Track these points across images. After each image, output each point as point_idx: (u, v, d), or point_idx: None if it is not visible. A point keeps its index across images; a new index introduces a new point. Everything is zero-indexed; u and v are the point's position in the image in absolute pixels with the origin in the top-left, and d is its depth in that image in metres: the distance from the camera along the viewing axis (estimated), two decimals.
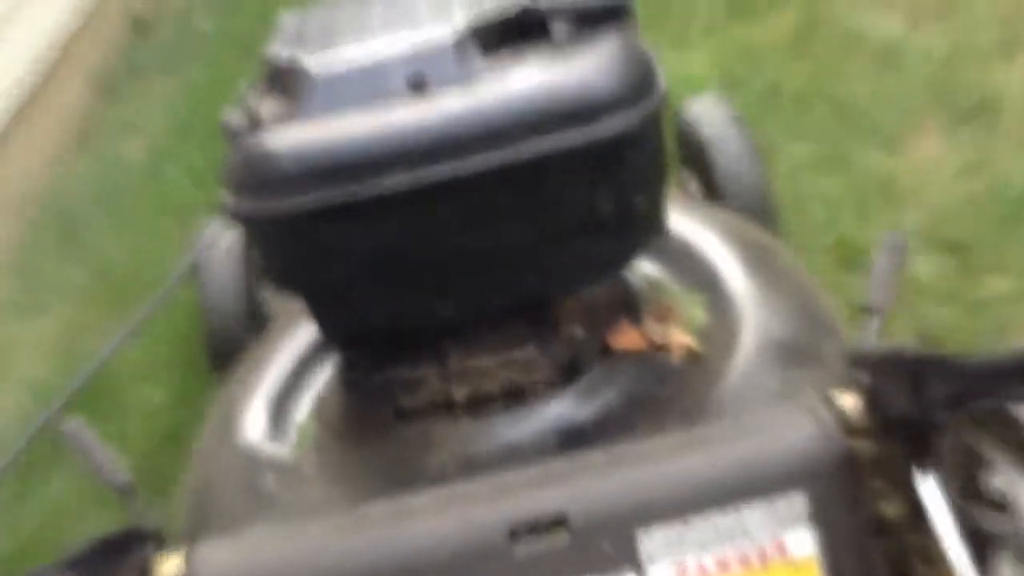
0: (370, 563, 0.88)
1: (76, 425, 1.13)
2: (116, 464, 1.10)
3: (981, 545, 0.79)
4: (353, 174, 0.96)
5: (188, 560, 0.90)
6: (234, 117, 1.02)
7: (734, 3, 3.33)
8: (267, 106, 1.04)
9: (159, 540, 0.93)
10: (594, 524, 0.85)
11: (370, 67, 1.03)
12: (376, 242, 1.00)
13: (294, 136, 0.99)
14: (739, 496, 0.84)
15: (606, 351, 1.13)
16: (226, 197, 1.01)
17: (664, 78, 1.03)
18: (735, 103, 2.08)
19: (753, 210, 1.77)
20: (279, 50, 1.10)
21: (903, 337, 1.13)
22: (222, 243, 1.88)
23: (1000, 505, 0.78)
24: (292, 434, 1.18)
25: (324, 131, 0.99)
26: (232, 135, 1.01)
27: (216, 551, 0.91)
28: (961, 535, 0.79)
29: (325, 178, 0.96)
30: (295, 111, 1.02)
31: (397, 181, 0.95)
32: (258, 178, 0.99)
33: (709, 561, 0.85)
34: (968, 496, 0.80)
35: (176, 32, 4.56)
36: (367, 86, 1.01)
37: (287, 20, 1.18)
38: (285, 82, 1.06)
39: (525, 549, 0.86)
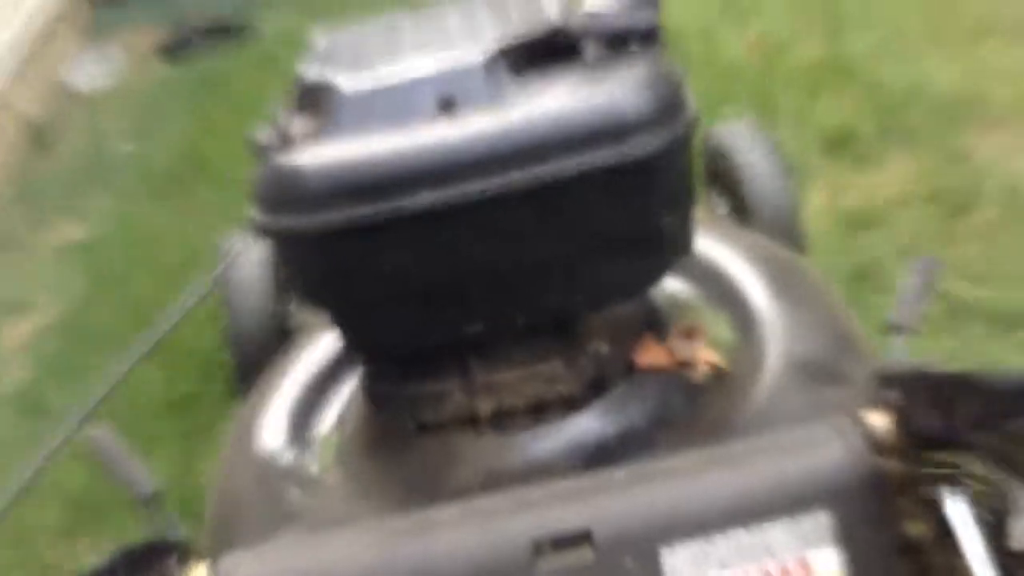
0: None
1: (102, 433, 1.14)
2: (141, 473, 1.10)
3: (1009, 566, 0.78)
4: (381, 192, 0.97)
5: (213, 572, 0.90)
6: (264, 134, 1.04)
7: (832, 135, 2.48)
8: (297, 124, 1.05)
9: (184, 551, 0.93)
10: (618, 541, 0.85)
11: (400, 87, 1.04)
12: (404, 259, 1.01)
13: (323, 154, 1.00)
14: (764, 514, 0.84)
15: (632, 368, 1.13)
16: (254, 213, 1.02)
17: (694, 100, 1.03)
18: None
19: (781, 231, 1.77)
20: (310, 69, 1.11)
21: (931, 356, 1.12)
22: (247, 257, 1.89)
23: None
24: (315, 447, 1.19)
25: (353, 149, 1.00)
26: (262, 152, 1.03)
27: (240, 563, 0.92)
28: (989, 556, 0.78)
29: (353, 196, 0.97)
30: (325, 129, 1.03)
31: (425, 199, 0.96)
32: (287, 195, 1.00)
33: None
34: (998, 546, 0.79)
35: (85, 150, 3.49)
36: (397, 106, 1.02)
37: (318, 39, 1.19)
38: (315, 100, 1.07)
39: (548, 565, 0.85)
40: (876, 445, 0.86)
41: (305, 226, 0.98)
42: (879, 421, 0.87)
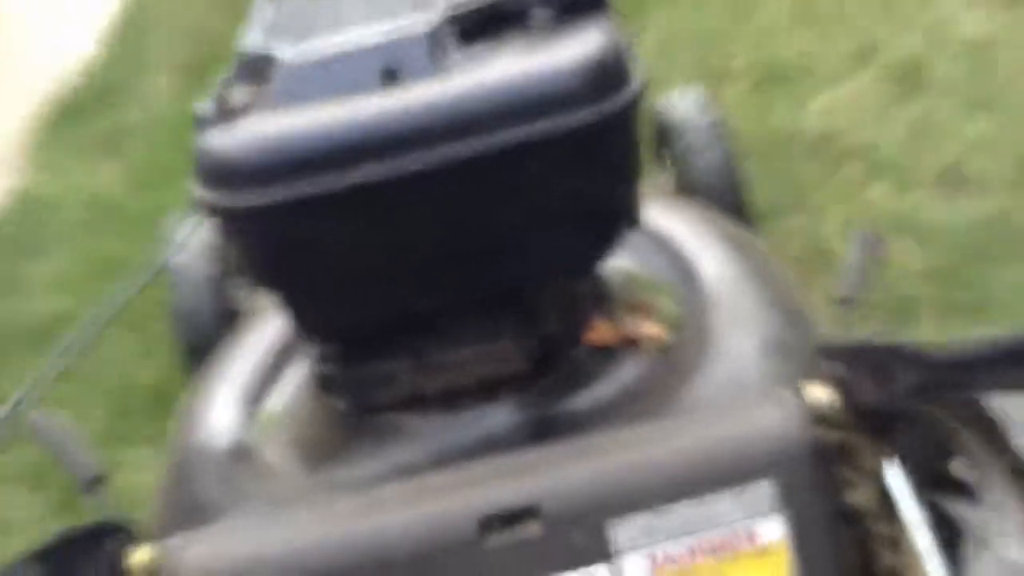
0: (341, 556, 0.88)
1: (44, 415, 1.12)
2: (85, 456, 1.09)
3: (948, 533, 0.79)
4: (323, 165, 0.95)
5: (160, 553, 0.90)
6: (205, 106, 1.02)
7: None
8: (238, 95, 1.03)
9: (129, 533, 0.93)
10: (566, 515, 0.86)
11: (343, 57, 1.02)
12: (348, 234, 1.00)
13: (263, 126, 0.98)
14: (709, 485, 0.85)
15: (579, 345, 1.14)
16: (195, 189, 1.00)
17: (642, 68, 1.03)
18: None
19: (726, 204, 1.78)
20: (251, 38, 1.09)
21: (873, 328, 1.14)
22: (194, 238, 1.87)
23: (966, 492, 0.79)
24: (264, 428, 1.18)
25: (294, 121, 0.98)
26: (202, 124, 1.01)
27: (187, 545, 0.91)
28: (928, 523, 0.80)
29: (294, 169, 0.95)
30: (265, 101, 1.01)
31: (368, 172, 0.95)
32: (226, 170, 0.97)
33: (680, 550, 0.85)
34: (935, 484, 0.80)
35: None
36: (339, 77, 1.00)
37: (261, 7, 1.17)
38: (256, 71, 1.05)
39: (496, 540, 0.86)
40: (818, 416, 0.87)
41: (244, 202, 0.96)
42: (821, 393, 0.89)
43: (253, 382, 1.23)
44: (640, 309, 1.19)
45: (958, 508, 0.79)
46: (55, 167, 3.30)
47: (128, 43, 3.87)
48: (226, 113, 1.00)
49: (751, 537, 0.85)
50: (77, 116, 3.52)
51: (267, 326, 1.30)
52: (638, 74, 1.01)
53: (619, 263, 1.21)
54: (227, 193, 0.97)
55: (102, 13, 4.00)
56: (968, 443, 0.80)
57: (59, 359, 1.15)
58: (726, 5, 3.16)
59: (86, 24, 3.94)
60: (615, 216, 1.08)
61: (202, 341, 1.63)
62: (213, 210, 1.00)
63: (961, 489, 0.79)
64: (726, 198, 1.84)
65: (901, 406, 0.82)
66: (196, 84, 3.01)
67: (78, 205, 3.04)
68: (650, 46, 2.93)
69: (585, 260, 1.11)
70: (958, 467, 0.80)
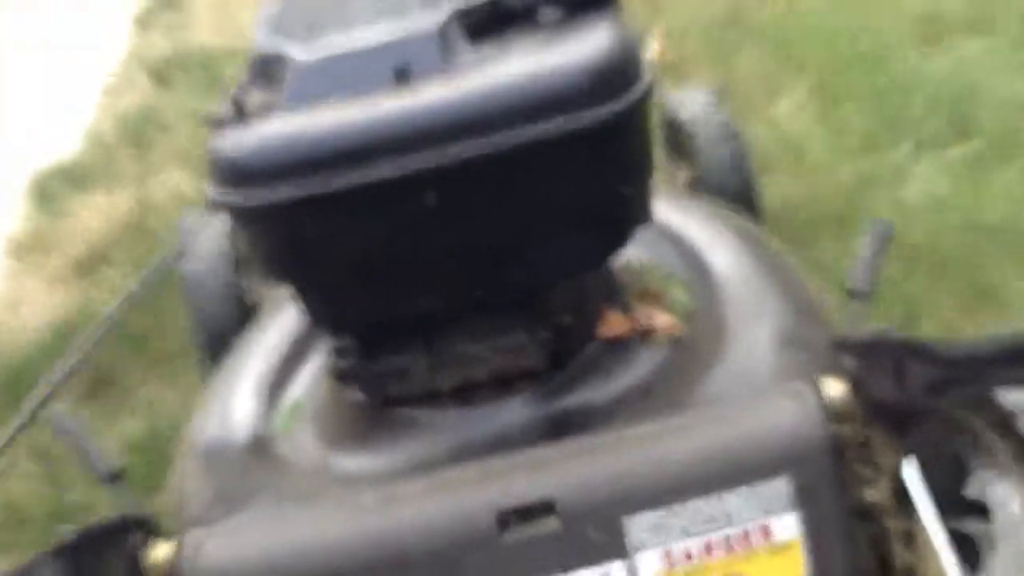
0: (360, 550, 0.88)
1: (61, 414, 1.13)
2: (103, 453, 1.10)
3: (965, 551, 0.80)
4: (337, 164, 0.96)
5: (179, 547, 0.91)
6: (220, 107, 1.02)
7: None
8: (251, 96, 1.03)
9: (149, 527, 0.93)
10: (582, 510, 0.86)
11: (354, 56, 1.02)
12: (361, 232, 1.00)
13: (277, 127, 0.99)
14: (724, 481, 0.85)
15: (593, 338, 1.14)
16: (211, 188, 1.01)
17: (650, 64, 1.03)
18: None
19: (737, 200, 1.78)
20: (262, 37, 1.09)
21: (888, 322, 1.13)
22: (206, 233, 1.87)
23: (981, 510, 0.79)
24: (282, 421, 1.19)
25: (307, 122, 0.99)
26: (217, 125, 1.01)
27: (207, 538, 0.92)
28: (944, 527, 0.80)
29: (308, 169, 0.96)
30: (279, 101, 1.02)
31: (381, 171, 0.95)
32: (242, 169, 0.98)
33: (695, 546, 0.85)
34: (951, 507, 0.81)
35: None
36: (350, 76, 1.01)
37: (271, 6, 1.17)
38: (269, 72, 1.05)
39: (513, 535, 0.86)
40: (833, 412, 0.87)
41: (259, 200, 0.97)
42: (836, 388, 0.89)
43: (271, 375, 1.24)
44: (653, 299, 1.19)
45: (974, 526, 0.80)
46: None
47: None
48: (241, 114, 1.00)
49: (766, 534, 0.85)
50: None
51: (283, 319, 1.30)
52: (647, 71, 1.01)
53: (631, 255, 1.22)
54: (244, 191, 0.98)
55: None
56: (983, 437, 0.80)
57: (73, 358, 1.15)
58: None
59: None
60: (626, 213, 1.08)
61: (221, 340, 1.64)
62: (230, 208, 1.01)
63: (976, 509, 0.80)
64: (736, 193, 1.84)
65: (916, 401, 0.83)
66: None
67: None
68: None
69: (597, 257, 1.12)
70: (973, 488, 0.80)
